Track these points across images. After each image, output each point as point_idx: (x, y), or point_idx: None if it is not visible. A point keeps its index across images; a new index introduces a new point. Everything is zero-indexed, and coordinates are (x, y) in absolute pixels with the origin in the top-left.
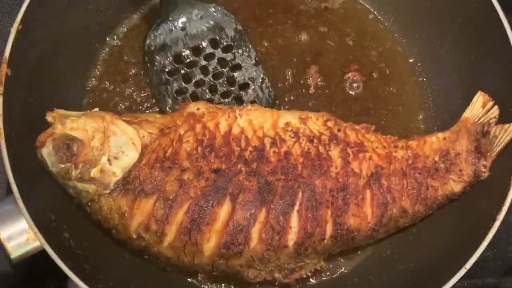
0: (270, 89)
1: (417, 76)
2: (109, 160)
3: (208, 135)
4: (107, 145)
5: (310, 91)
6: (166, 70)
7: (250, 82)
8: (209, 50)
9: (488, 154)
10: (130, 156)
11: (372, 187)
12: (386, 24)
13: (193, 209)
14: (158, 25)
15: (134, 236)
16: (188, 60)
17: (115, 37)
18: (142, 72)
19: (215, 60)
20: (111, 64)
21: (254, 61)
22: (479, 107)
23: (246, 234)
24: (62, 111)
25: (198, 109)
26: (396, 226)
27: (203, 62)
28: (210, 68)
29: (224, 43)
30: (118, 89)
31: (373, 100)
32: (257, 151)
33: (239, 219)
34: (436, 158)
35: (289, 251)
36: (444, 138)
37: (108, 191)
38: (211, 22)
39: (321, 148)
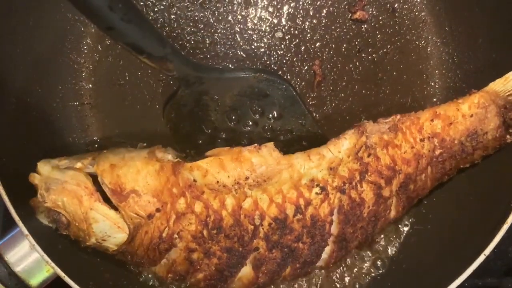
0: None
1: (433, 7)
2: (98, 241)
3: (213, 216)
4: (91, 231)
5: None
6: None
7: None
8: (252, 117)
9: None
10: (118, 237)
11: (400, 196)
12: None
13: (209, 279)
14: (180, 97)
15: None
16: (224, 127)
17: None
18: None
19: (260, 128)
20: (96, 72)
21: (310, 127)
22: None
23: (272, 285)
24: (44, 170)
25: (194, 181)
26: None
27: (244, 129)
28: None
29: (273, 113)
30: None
31: (383, 42)
32: (278, 222)
33: (264, 281)
34: (463, 139)
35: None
36: (471, 116)
37: (111, 252)
38: (252, 90)
39: (353, 194)
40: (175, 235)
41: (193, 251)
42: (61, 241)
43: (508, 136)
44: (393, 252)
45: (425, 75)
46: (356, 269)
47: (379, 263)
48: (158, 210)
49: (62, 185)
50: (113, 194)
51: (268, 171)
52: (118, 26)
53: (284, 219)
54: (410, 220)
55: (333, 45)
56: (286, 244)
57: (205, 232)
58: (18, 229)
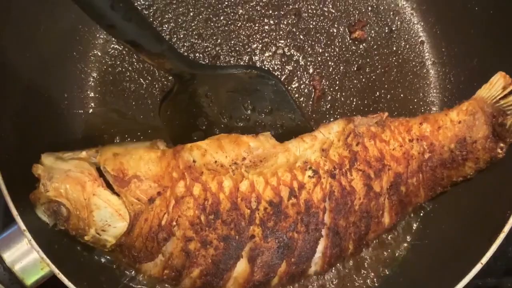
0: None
1: (430, 29)
2: (97, 232)
3: (210, 199)
4: (92, 219)
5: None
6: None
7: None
8: (244, 113)
9: (507, 140)
10: (118, 227)
11: (391, 198)
12: None
13: (205, 275)
14: (175, 95)
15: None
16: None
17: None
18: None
19: (251, 123)
20: (102, 82)
21: (299, 120)
22: (499, 89)
23: (266, 285)
24: (47, 161)
25: (194, 161)
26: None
27: (236, 125)
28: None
29: (264, 108)
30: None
31: (381, 61)
32: (273, 207)
33: (259, 278)
34: (452, 146)
35: (310, 277)
36: (459, 122)
37: (107, 250)
38: (242, 87)
39: (343, 181)
40: (174, 223)
41: (190, 241)
42: (58, 241)
43: (499, 151)
44: (390, 267)
45: (422, 94)
46: (350, 284)
47: (375, 277)
48: (159, 193)
49: (66, 173)
50: (115, 180)
51: (264, 153)
52: (119, 24)
53: (279, 203)
54: (408, 237)
55: (332, 63)
56: (281, 232)
57: (202, 218)
58: (15, 227)
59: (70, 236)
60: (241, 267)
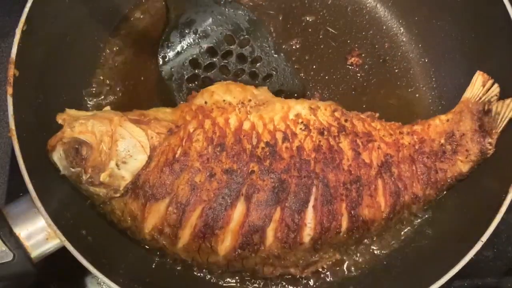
0: (296, 78)
1: (419, 58)
2: (117, 164)
3: (218, 132)
4: (115, 149)
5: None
6: (185, 77)
7: (273, 72)
8: (226, 47)
9: (493, 131)
10: (139, 159)
11: (384, 176)
12: (385, 5)
13: (206, 213)
14: (168, 34)
15: (148, 238)
16: (206, 63)
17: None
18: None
19: (234, 57)
20: (117, 59)
21: (273, 50)
22: (479, 86)
23: (262, 234)
24: (72, 112)
25: (205, 102)
26: (409, 212)
27: (222, 62)
28: (230, 67)
29: (241, 38)
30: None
31: (376, 86)
32: (270, 147)
33: (254, 220)
34: (442, 141)
35: (305, 247)
36: (448, 120)
37: (118, 195)
38: (223, 19)
39: (331, 141)
40: (185, 153)
41: (197, 173)
42: (65, 218)
43: (488, 146)
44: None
45: (416, 115)
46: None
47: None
48: (177, 126)
49: (92, 115)
50: (136, 122)
51: (266, 98)
52: None
53: (274, 145)
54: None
55: (332, 85)
56: (276, 172)
57: (210, 149)
58: (26, 196)
59: (76, 221)
60: (239, 210)
